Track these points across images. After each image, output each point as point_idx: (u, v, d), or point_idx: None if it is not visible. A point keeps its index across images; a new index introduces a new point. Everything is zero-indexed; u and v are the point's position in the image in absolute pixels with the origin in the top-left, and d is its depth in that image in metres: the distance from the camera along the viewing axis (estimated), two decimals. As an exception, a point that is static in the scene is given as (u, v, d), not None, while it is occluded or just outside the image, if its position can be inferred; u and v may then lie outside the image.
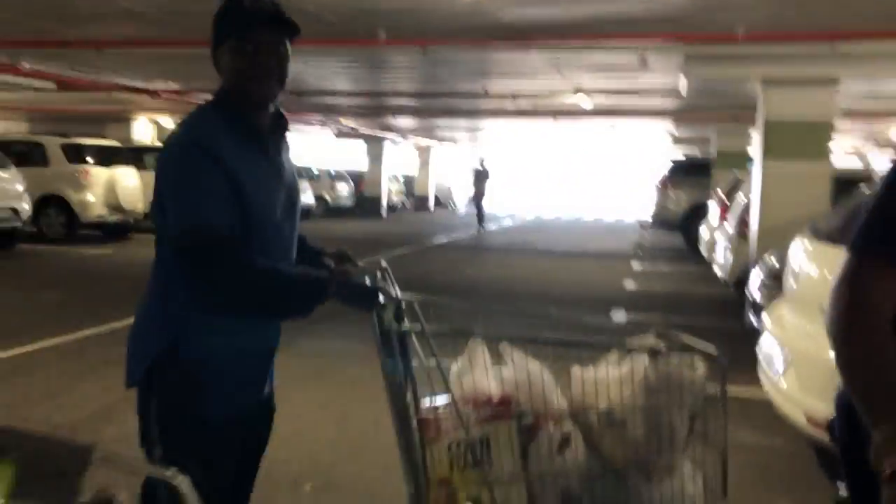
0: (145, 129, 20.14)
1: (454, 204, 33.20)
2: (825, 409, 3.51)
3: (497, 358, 2.36)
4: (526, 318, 2.86)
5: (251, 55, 1.92)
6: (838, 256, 4.34)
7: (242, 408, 2.07)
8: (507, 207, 30.94)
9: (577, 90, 12.20)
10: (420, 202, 30.09)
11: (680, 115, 15.48)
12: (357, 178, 26.47)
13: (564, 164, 40.24)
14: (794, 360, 3.89)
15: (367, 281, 2.17)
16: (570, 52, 8.53)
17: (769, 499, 3.54)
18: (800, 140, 7.79)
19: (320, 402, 4.98)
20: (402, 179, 30.50)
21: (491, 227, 21.63)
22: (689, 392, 2.24)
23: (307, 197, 22.27)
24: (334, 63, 10.57)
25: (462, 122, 19.75)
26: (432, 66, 10.47)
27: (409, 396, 2.13)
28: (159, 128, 20.28)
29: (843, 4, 6.14)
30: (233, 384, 2.01)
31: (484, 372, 2.30)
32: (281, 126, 2.12)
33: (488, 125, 19.63)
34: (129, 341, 2.03)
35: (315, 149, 30.62)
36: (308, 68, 10.85)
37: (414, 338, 2.15)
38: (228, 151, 1.91)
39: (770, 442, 4.43)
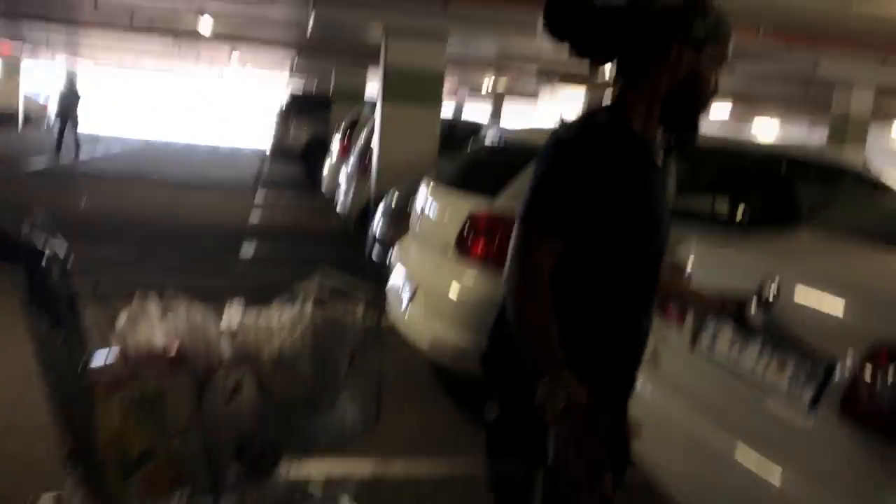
0: None
1: (50, 122, 29.59)
2: (447, 334, 4.11)
3: (164, 309, 2.35)
4: (186, 263, 2.83)
5: None
6: (457, 199, 4.94)
7: None
8: (115, 130, 28.52)
9: (201, 12, 11.66)
10: (4, 118, 26.10)
11: (302, 49, 15.67)
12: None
13: (180, 85, 38.13)
14: (420, 292, 4.41)
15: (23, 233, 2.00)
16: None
17: (401, 417, 4.02)
18: (415, 87, 8.53)
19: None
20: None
21: (95, 152, 19.83)
22: (351, 331, 2.49)
23: None
24: None
25: (62, 34, 17.51)
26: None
27: (77, 356, 2.03)
28: None
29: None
30: None
31: (153, 324, 2.28)
32: None
33: (96, 38, 17.67)
34: None
35: None
36: None
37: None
38: None
39: (396, 366, 4.97)
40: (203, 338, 2.34)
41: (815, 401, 1.92)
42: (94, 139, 23.32)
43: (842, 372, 1.85)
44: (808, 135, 22.76)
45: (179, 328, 2.33)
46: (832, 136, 10.22)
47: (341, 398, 2.56)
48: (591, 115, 1.67)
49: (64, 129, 17.68)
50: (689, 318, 2.49)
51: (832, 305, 2.03)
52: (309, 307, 2.46)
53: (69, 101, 17.64)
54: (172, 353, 2.27)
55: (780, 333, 2.07)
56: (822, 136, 16.49)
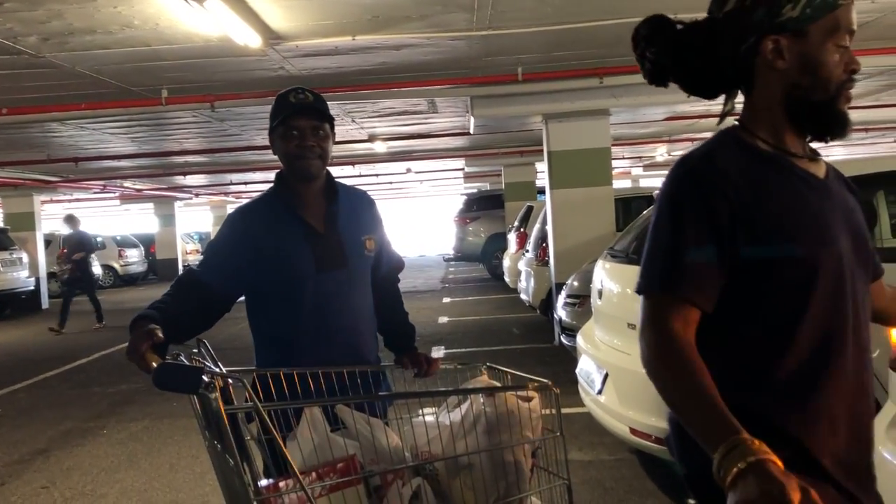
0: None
1: None
2: (645, 419, 3.75)
3: (335, 421, 2.28)
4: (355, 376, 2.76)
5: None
6: (634, 272, 4.60)
7: None
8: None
9: (372, 137, 12.36)
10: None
11: (470, 153, 16.14)
12: (148, 241, 25.06)
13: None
14: (611, 375, 4.11)
15: (183, 359, 2.02)
16: (362, 100, 8.63)
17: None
18: (582, 168, 8.39)
19: (138, 495, 4.54)
20: (197, 238, 29.22)
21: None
22: (528, 426, 2.29)
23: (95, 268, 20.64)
24: (113, 126, 9.94)
25: (258, 176, 19.25)
26: (220, 122, 10.17)
27: (247, 479, 1.98)
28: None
29: (605, 43, 6.72)
30: None
31: (323, 439, 2.21)
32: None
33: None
34: None
35: (99, 215, 28.70)
36: (84, 133, 10.14)
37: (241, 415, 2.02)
38: None
39: (596, 455, 4.64)
40: (377, 446, 2.24)
41: None
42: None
43: None
44: None
45: (353, 439, 2.24)
46: None
47: (529, 501, 2.34)
48: (705, 143, 1.48)
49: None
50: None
51: None
52: (479, 403, 2.30)
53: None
54: (346, 467, 2.17)
55: None
56: None
